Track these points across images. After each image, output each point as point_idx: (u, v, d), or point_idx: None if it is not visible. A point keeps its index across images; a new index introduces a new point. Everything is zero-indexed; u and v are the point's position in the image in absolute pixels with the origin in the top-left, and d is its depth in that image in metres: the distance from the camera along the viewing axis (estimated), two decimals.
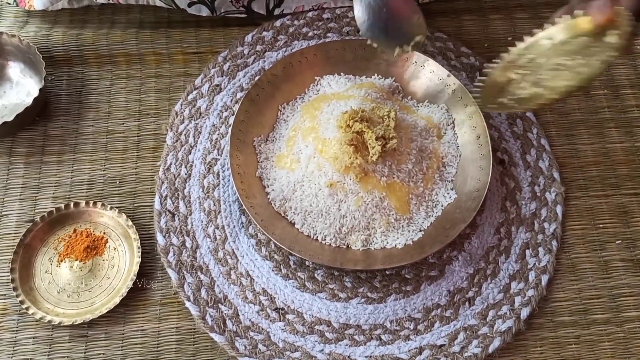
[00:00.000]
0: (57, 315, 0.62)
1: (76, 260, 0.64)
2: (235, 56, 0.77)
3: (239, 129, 0.68)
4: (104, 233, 0.66)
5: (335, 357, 0.61)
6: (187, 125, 0.72)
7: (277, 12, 0.79)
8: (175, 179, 0.69)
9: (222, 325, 0.62)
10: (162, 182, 0.68)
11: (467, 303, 0.64)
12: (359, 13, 0.61)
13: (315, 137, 0.66)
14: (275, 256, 0.65)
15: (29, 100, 0.70)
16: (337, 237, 0.64)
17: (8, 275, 0.63)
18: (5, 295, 0.63)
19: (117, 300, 0.62)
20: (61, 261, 0.65)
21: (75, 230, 0.66)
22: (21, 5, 0.78)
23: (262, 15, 0.79)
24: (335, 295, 0.64)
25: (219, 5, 0.77)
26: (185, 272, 0.64)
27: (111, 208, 0.67)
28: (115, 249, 0.66)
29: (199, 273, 0.64)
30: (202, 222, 0.67)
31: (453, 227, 0.63)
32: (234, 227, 0.67)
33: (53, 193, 0.69)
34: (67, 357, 0.61)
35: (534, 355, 0.62)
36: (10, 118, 0.68)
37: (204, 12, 0.78)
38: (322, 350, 0.61)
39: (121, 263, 0.65)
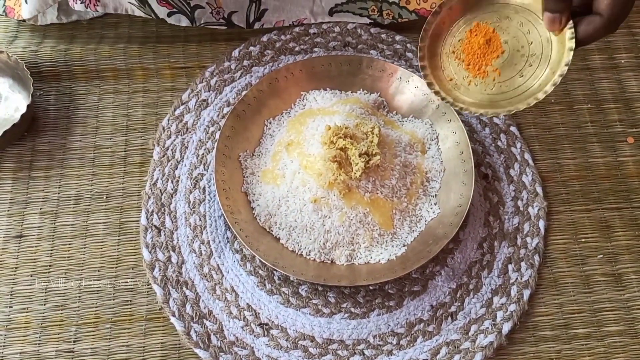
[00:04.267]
0: None
1: None
2: (222, 71, 0.77)
3: (225, 144, 0.68)
4: None
5: None
6: (174, 140, 0.73)
7: (257, 25, 0.79)
8: (162, 194, 0.69)
9: (206, 340, 0.62)
10: (149, 197, 0.69)
11: (449, 318, 0.64)
12: None
13: (300, 153, 0.66)
14: (260, 271, 0.66)
15: (17, 116, 0.70)
16: (322, 252, 0.65)
17: None
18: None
19: None
20: None
21: None
22: (10, 16, 0.78)
23: (241, 28, 0.79)
24: (319, 311, 0.64)
25: (199, 16, 0.77)
26: (170, 288, 0.64)
27: None
28: None
29: (184, 288, 0.65)
30: (187, 237, 0.67)
31: (436, 243, 0.64)
32: (220, 242, 0.67)
33: (40, 208, 0.69)
34: None
35: None
36: None
37: (184, 22, 0.77)
38: None
39: None
